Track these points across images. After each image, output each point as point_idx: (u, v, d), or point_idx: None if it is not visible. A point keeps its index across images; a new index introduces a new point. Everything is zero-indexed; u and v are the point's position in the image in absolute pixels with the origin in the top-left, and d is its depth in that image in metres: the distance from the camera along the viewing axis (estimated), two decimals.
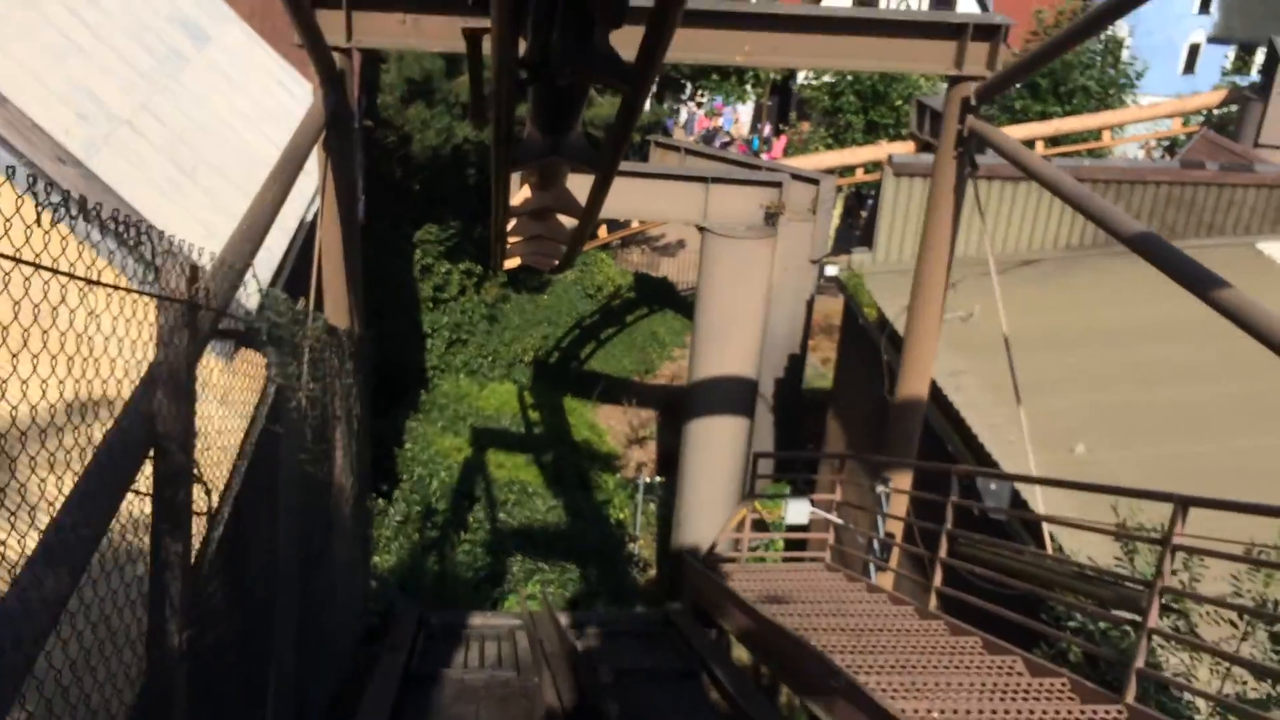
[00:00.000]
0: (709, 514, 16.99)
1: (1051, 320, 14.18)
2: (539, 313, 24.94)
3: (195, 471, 3.49)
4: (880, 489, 8.25)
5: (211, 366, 5.15)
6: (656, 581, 17.67)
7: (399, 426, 17.64)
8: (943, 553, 6.95)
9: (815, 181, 19.39)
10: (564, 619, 9.11)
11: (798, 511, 8.82)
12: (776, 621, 6.35)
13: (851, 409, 16.28)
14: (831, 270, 29.75)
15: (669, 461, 24.18)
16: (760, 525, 9.88)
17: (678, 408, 25.57)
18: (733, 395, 16.37)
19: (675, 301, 28.65)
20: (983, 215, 8.94)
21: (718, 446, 16.54)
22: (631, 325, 26.91)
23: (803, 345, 21.57)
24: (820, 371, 27.32)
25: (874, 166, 28.26)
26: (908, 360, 8.80)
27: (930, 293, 8.51)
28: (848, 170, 28.58)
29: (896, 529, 8.60)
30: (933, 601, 7.06)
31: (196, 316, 3.40)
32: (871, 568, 8.43)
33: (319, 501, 6.17)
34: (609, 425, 23.69)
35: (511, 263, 6.57)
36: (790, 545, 12.77)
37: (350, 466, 7.66)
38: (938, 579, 7.02)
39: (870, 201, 35.64)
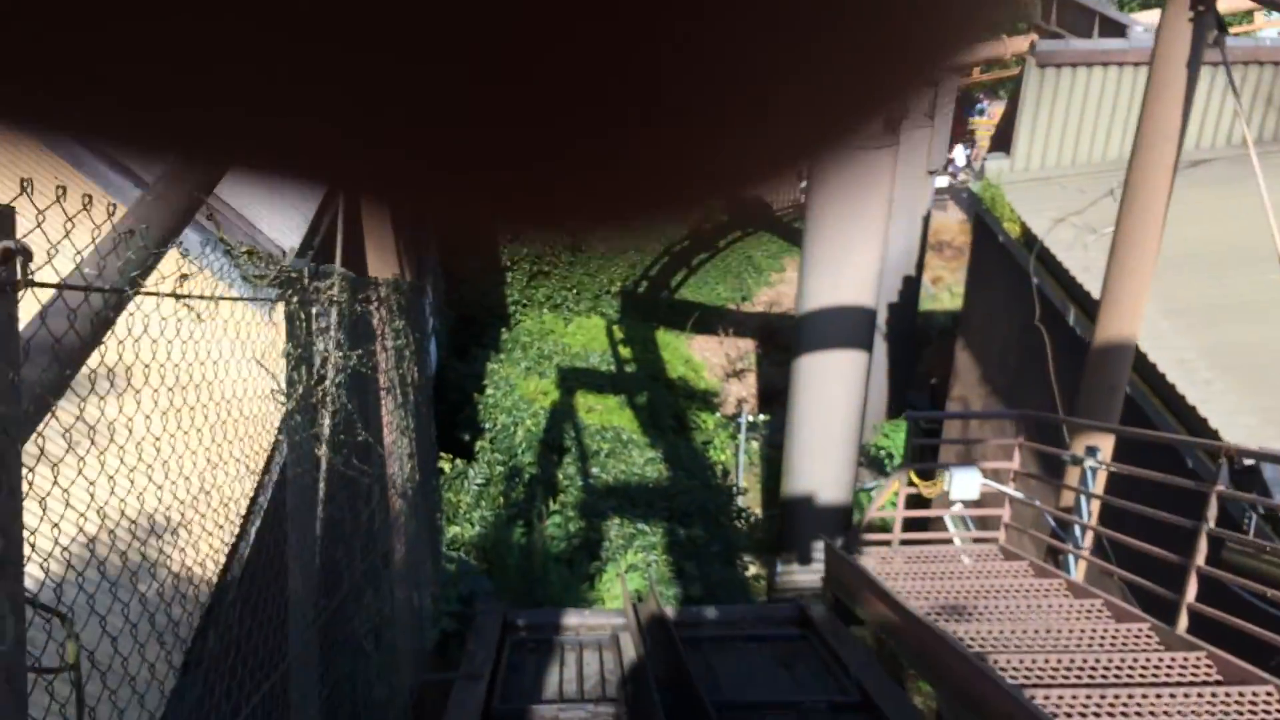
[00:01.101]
0: (822, 459, 15.25)
1: (1238, 231, 11.89)
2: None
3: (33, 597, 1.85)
4: (1089, 463, 6.36)
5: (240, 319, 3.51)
6: (764, 527, 16.11)
7: (479, 370, 16.17)
8: (1201, 559, 5.09)
9: (933, 82, 17.08)
10: (673, 614, 7.51)
11: (966, 484, 7.00)
12: (985, 672, 4.61)
13: (986, 340, 14.24)
14: (940, 182, 27.25)
15: (770, 396, 22.41)
16: (918, 501, 8.09)
17: (778, 336, 23.69)
18: (849, 327, 14.46)
19: (770, 222, 26.58)
20: (1238, 96, 6.84)
21: (833, 385, 14.72)
22: (725, 250, 24.98)
23: (918, 266, 19.46)
24: (931, 293, 25.11)
25: (990, 65, 25.51)
26: (1112, 291, 6.82)
27: (1148, 201, 6.48)
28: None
29: (1069, 507, 6.74)
30: (1182, 622, 5.23)
31: (12, 301, 1.72)
32: (1071, 560, 6.60)
33: (356, 519, 4.59)
34: (705, 358, 21.98)
35: None
36: (911, 524, 10.95)
37: (407, 449, 6.09)
38: (1190, 593, 5.18)
39: (980, 106, 32.72)
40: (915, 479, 7.15)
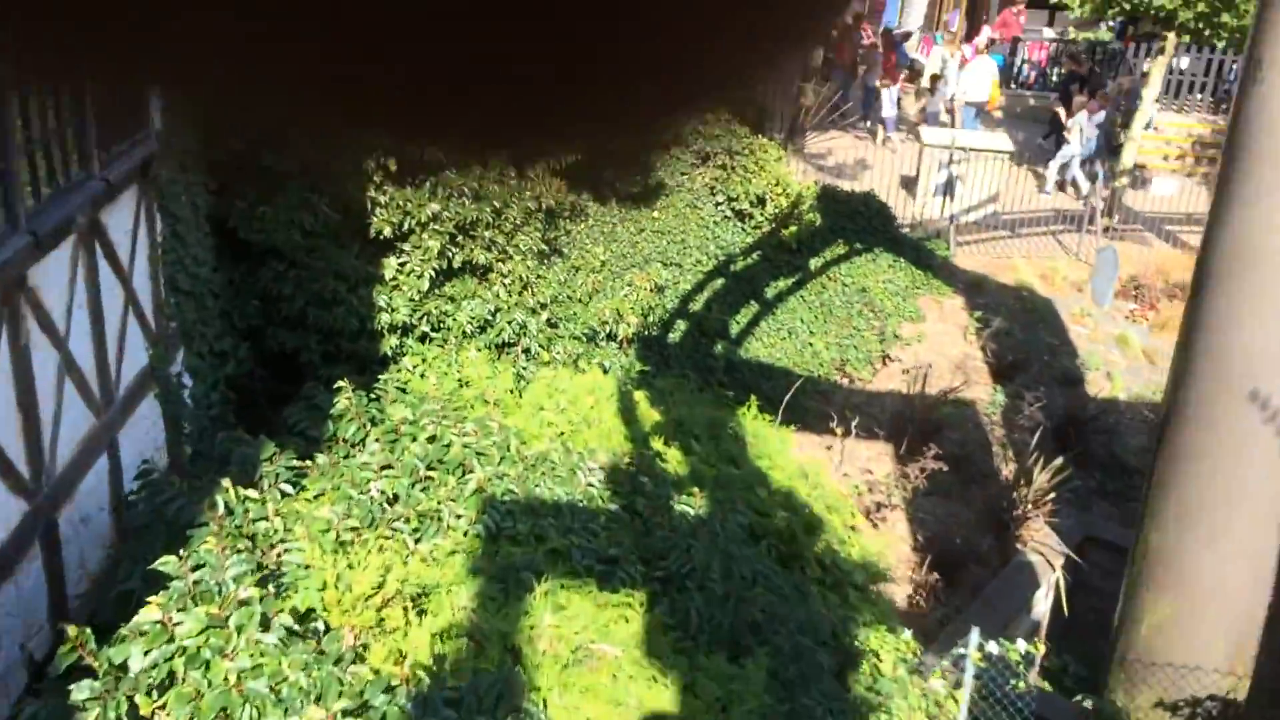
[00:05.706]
0: None
1: None
2: (646, 243, 12.09)
3: None
4: None
5: None
6: None
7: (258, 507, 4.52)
8: None
9: None
10: None
11: None
12: None
13: None
14: None
15: (951, 565, 11.03)
16: None
17: (932, 433, 12.21)
18: None
19: (891, 238, 15.45)
20: None
21: None
22: (820, 275, 13.79)
23: None
24: None
25: None
26: None
27: None
28: None
29: None
30: None
31: None
32: None
33: None
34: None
35: None
36: None
37: None
38: None
39: None
40: None
